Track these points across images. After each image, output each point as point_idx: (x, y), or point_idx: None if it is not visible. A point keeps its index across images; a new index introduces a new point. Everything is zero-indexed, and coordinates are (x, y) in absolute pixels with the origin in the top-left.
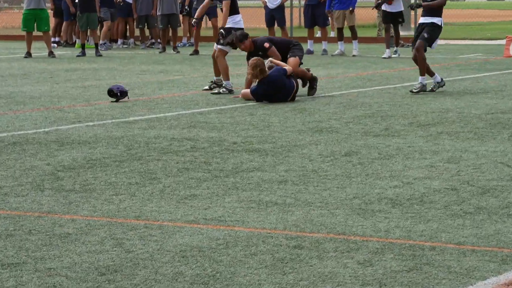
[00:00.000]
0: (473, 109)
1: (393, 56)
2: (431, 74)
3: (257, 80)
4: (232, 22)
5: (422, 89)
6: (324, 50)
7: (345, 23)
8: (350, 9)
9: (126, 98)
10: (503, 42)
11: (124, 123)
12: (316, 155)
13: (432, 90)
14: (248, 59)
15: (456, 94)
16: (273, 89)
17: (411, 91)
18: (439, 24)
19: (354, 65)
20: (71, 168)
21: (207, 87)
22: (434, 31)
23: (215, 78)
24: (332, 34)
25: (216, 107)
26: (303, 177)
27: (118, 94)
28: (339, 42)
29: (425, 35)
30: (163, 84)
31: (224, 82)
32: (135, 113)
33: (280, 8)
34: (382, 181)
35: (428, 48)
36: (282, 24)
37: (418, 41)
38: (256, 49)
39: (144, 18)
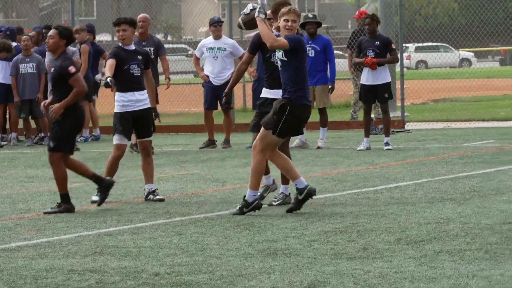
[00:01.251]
0: (483, 218)
1: (385, 148)
2: (265, 171)
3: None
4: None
5: (285, 200)
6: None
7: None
8: (329, 86)
9: None
10: None
11: (3, 251)
12: (269, 287)
13: (261, 197)
14: None
15: (460, 198)
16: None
17: (270, 204)
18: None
19: (320, 161)
20: None
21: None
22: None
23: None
24: None
25: (130, 225)
26: None
27: None
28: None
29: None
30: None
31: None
32: (19, 237)
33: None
34: None
35: None
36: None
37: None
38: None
39: (28, 103)
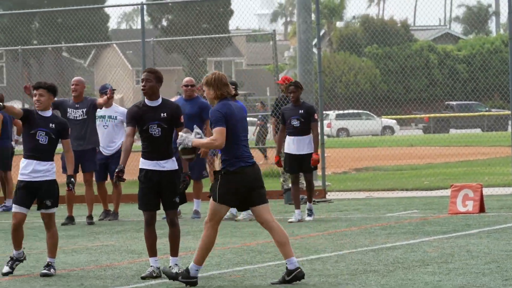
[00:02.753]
0: None
1: (307, 219)
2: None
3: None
4: None
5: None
6: (196, 212)
7: None
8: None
9: None
10: (447, 192)
11: None
12: None
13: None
14: None
15: (383, 270)
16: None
17: None
18: None
19: (238, 232)
20: None
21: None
22: None
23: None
24: None
25: None
26: None
27: None
28: None
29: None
30: None
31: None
32: None
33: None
34: None
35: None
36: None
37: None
38: None
39: None
